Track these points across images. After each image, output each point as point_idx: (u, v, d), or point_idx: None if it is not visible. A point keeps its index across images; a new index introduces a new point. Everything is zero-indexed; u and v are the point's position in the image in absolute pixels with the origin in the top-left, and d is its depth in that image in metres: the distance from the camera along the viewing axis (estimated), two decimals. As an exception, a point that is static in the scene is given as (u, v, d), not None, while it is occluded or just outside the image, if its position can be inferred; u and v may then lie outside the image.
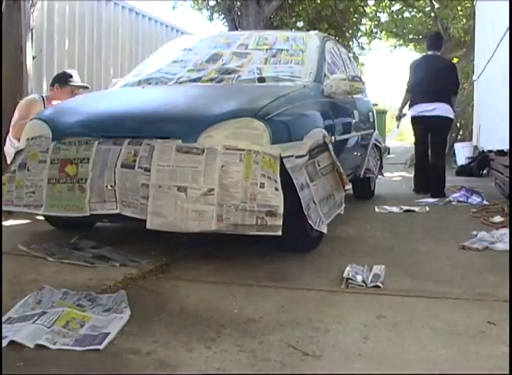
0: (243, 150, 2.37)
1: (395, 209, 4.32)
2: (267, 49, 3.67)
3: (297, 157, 2.55)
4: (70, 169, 2.55)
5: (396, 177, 7.61)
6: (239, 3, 10.52)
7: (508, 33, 4.16)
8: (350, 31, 13.09)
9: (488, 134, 5.81)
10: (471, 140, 8.47)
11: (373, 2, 14.17)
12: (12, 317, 1.78)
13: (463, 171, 7.82)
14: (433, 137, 5.34)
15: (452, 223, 3.80)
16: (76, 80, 4.20)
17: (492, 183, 6.20)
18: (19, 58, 4.79)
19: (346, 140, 3.77)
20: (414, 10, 16.90)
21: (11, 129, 3.94)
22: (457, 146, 9.65)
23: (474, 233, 3.22)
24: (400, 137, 24.17)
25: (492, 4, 5.39)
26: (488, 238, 3.08)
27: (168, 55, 3.93)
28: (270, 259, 2.65)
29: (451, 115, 5.27)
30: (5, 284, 2.13)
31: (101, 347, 1.59)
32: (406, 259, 2.73)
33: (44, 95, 4.22)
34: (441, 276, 2.42)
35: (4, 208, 2.76)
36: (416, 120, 5.44)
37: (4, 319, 1.76)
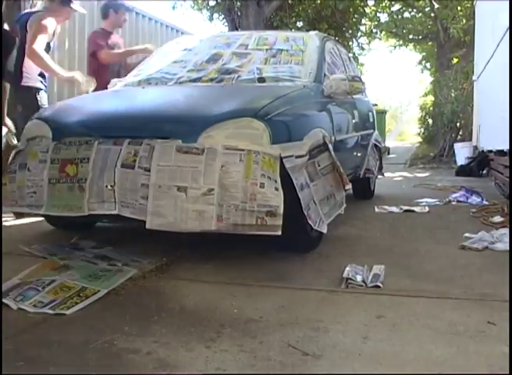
0: (243, 150, 2.37)
1: (395, 209, 4.32)
2: (267, 49, 3.67)
3: (297, 157, 2.55)
4: (70, 169, 2.55)
5: (396, 177, 7.61)
6: (239, 3, 10.53)
7: (508, 33, 4.16)
8: (350, 31, 13.10)
9: (488, 134, 5.81)
10: (470, 140, 8.46)
11: (373, 2, 14.18)
12: None
13: (462, 171, 7.82)
14: None
15: (452, 223, 3.80)
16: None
17: (492, 183, 6.20)
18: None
19: (346, 140, 3.77)
20: (414, 10, 16.92)
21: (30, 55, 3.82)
22: (457, 146, 9.64)
23: (467, 235, 3.21)
24: (400, 137, 24.19)
25: (492, 4, 5.39)
26: (488, 238, 3.08)
27: (168, 55, 3.93)
28: (270, 259, 2.65)
29: None
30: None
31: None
32: (406, 259, 2.73)
33: (43, 9, 4.12)
34: (441, 276, 2.42)
35: (9, 209, 2.76)
36: None
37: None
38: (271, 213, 2.29)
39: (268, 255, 2.70)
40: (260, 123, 2.47)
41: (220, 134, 2.42)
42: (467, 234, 3.21)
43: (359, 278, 2.28)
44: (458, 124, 10.97)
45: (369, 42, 15.87)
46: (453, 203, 4.80)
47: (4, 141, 4.00)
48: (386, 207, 4.40)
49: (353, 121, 4.03)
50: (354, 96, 3.96)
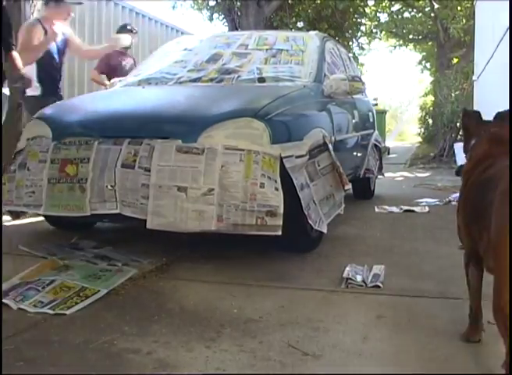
0: (243, 150, 2.37)
1: (395, 209, 4.32)
2: (267, 49, 3.67)
3: (297, 157, 2.55)
4: (70, 169, 2.55)
5: (396, 177, 7.60)
6: (239, 3, 10.52)
7: (508, 33, 4.16)
8: (350, 31, 13.10)
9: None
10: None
11: (373, 2, 14.17)
12: None
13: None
14: None
15: (452, 223, 3.78)
16: None
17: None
18: (19, 59, 4.79)
19: (346, 140, 3.77)
20: (414, 10, 16.92)
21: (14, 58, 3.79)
22: (457, 146, 9.62)
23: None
24: (400, 137, 24.18)
25: (491, 4, 5.40)
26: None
27: (168, 55, 3.93)
28: (270, 259, 2.65)
29: None
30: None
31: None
32: (406, 259, 2.73)
33: (39, 18, 4.06)
34: (441, 276, 2.42)
35: (5, 208, 2.76)
36: None
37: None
38: (271, 213, 2.29)
39: (268, 255, 2.70)
40: (260, 123, 2.47)
41: (220, 134, 2.42)
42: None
43: (359, 278, 2.28)
44: (458, 124, 10.97)
45: (369, 42, 15.88)
46: (453, 203, 4.79)
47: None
48: (386, 207, 4.40)
49: (353, 121, 4.03)
50: (354, 96, 3.96)
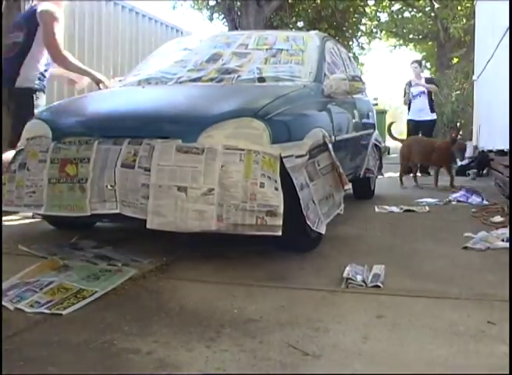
0: (243, 150, 2.37)
1: (395, 209, 4.32)
2: (267, 49, 3.67)
3: (297, 157, 2.55)
4: (70, 169, 2.55)
5: (396, 177, 7.59)
6: (239, 3, 10.53)
7: (508, 33, 4.16)
8: (350, 31, 13.10)
9: (488, 134, 5.81)
10: (470, 140, 8.46)
11: (373, 2, 14.17)
12: None
13: (463, 171, 7.80)
14: None
15: (452, 223, 3.80)
16: None
17: (492, 183, 6.20)
18: (19, 58, 4.78)
19: (346, 140, 3.77)
20: (414, 10, 16.93)
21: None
22: (457, 146, 9.61)
23: (467, 234, 3.21)
24: (400, 137, 24.18)
25: (491, 4, 5.39)
26: (489, 238, 3.08)
27: (168, 55, 3.93)
28: (270, 259, 2.65)
29: None
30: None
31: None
32: (406, 259, 2.73)
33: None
34: (441, 276, 2.42)
35: (5, 208, 2.76)
36: None
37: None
38: (271, 213, 2.29)
39: (268, 255, 2.70)
40: (260, 123, 2.47)
41: (220, 134, 2.42)
42: (467, 234, 3.21)
43: (359, 278, 2.27)
44: (458, 124, 10.97)
45: (369, 42, 15.88)
46: (453, 203, 4.79)
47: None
48: (386, 207, 4.40)
49: (354, 121, 4.03)
50: (354, 96, 3.96)
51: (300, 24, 12.15)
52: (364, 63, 16.19)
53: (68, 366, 1.50)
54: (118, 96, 3.34)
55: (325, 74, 3.53)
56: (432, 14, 15.74)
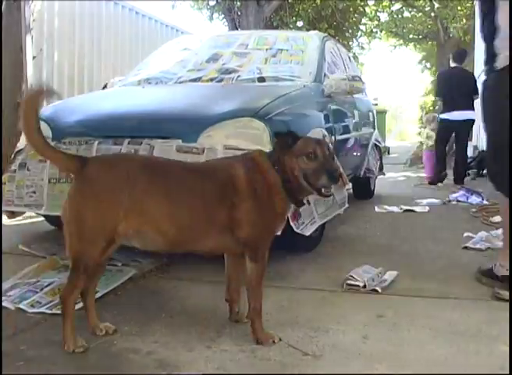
0: (244, 150, 2.37)
1: (395, 209, 4.32)
2: (267, 49, 3.67)
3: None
4: (70, 169, 2.54)
5: (396, 177, 7.60)
6: (239, 3, 10.52)
7: (508, 33, 4.15)
8: (350, 31, 13.10)
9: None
10: (471, 140, 8.46)
11: (373, 2, 14.17)
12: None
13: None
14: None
15: (452, 223, 3.80)
16: None
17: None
18: (19, 58, 4.79)
19: (346, 140, 3.77)
20: (414, 10, 16.93)
21: None
22: (457, 146, 9.61)
23: (467, 234, 3.21)
24: (400, 137, 24.20)
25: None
26: (489, 238, 3.09)
27: (168, 55, 3.93)
28: (270, 259, 2.64)
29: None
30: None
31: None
32: (406, 259, 2.73)
33: None
34: (441, 276, 2.42)
35: (5, 208, 2.75)
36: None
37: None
38: None
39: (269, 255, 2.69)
40: (260, 123, 2.47)
41: (220, 134, 2.42)
42: (467, 234, 3.21)
43: (366, 277, 2.23)
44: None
45: (369, 42, 15.89)
46: (453, 203, 4.79)
47: None
48: (386, 207, 4.40)
49: (353, 121, 4.03)
50: (354, 96, 3.96)
51: (300, 24, 12.15)
52: (364, 63, 16.20)
53: (68, 366, 1.51)
54: (118, 96, 3.34)
55: (325, 74, 3.53)
56: (432, 14, 15.75)
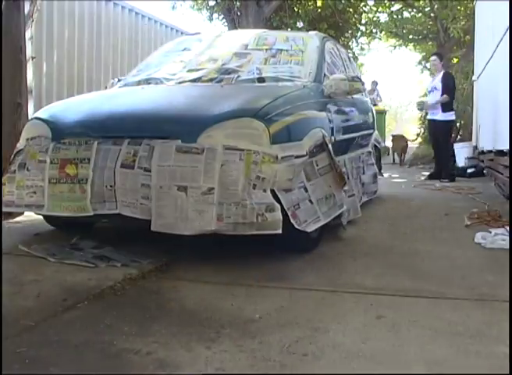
0: (243, 150, 2.37)
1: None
2: (267, 49, 3.67)
3: (297, 157, 2.55)
4: (70, 169, 2.55)
5: (396, 177, 7.60)
6: (238, 3, 10.51)
7: (508, 33, 4.16)
8: (350, 31, 13.09)
9: (488, 134, 5.81)
10: (470, 140, 8.46)
11: (373, 2, 14.16)
12: None
13: (463, 171, 7.79)
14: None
15: (452, 223, 3.80)
16: None
17: (492, 183, 6.20)
18: (19, 58, 4.78)
19: (346, 140, 3.77)
20: (414, 10, 16.91)
21: None
22: (457, 146, 9.61)
23: (467, 234, 3.21)
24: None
25: (491, 4, 5.39)
26: (489, 238, 3.09)
27: (168, 55, 3.93)
28: (270, 259, 2.65)
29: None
30: (5, 284, 2.13)
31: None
32: (406, 259, 2.73)
33: None
34: (441, 276, 2.42)
35: (5, 209, 2.75)
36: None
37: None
38: (270, 208, 2.29)
39: (268, 255, 2.70)
40: (260, 123, 2.47)
41: (220, 134, 2.42)
42: (467, 234, 3.21)
43: None
44: (458, 124, 10.96)
45: (369, 42, 15.86)
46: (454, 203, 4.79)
47: None
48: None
49: (353, 121, 4.03)
50: (354, 96, 3.96)
51: (300, 24, 12.14)
52: (364, 63, 16.19)
53: (68, 366, 1.50)
54: (118, 96, 3.33)
55: (324, 74, 3.53)
56: (432, 14, 15.73)
